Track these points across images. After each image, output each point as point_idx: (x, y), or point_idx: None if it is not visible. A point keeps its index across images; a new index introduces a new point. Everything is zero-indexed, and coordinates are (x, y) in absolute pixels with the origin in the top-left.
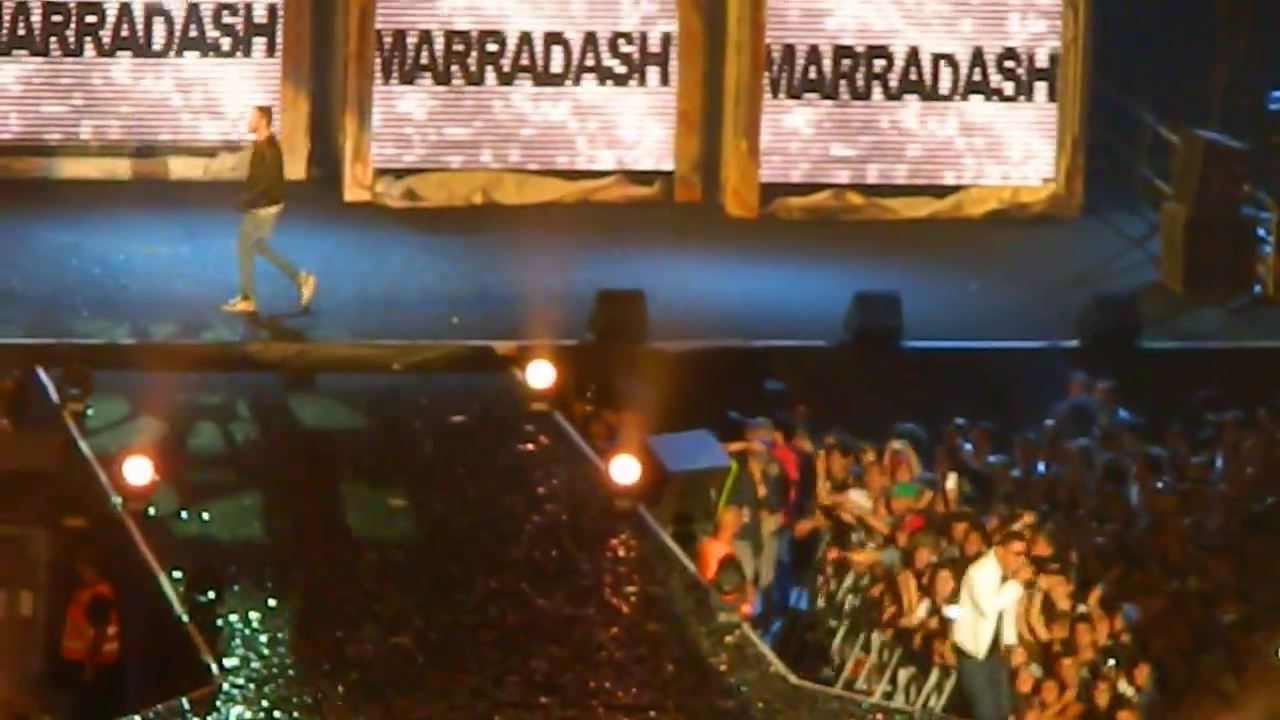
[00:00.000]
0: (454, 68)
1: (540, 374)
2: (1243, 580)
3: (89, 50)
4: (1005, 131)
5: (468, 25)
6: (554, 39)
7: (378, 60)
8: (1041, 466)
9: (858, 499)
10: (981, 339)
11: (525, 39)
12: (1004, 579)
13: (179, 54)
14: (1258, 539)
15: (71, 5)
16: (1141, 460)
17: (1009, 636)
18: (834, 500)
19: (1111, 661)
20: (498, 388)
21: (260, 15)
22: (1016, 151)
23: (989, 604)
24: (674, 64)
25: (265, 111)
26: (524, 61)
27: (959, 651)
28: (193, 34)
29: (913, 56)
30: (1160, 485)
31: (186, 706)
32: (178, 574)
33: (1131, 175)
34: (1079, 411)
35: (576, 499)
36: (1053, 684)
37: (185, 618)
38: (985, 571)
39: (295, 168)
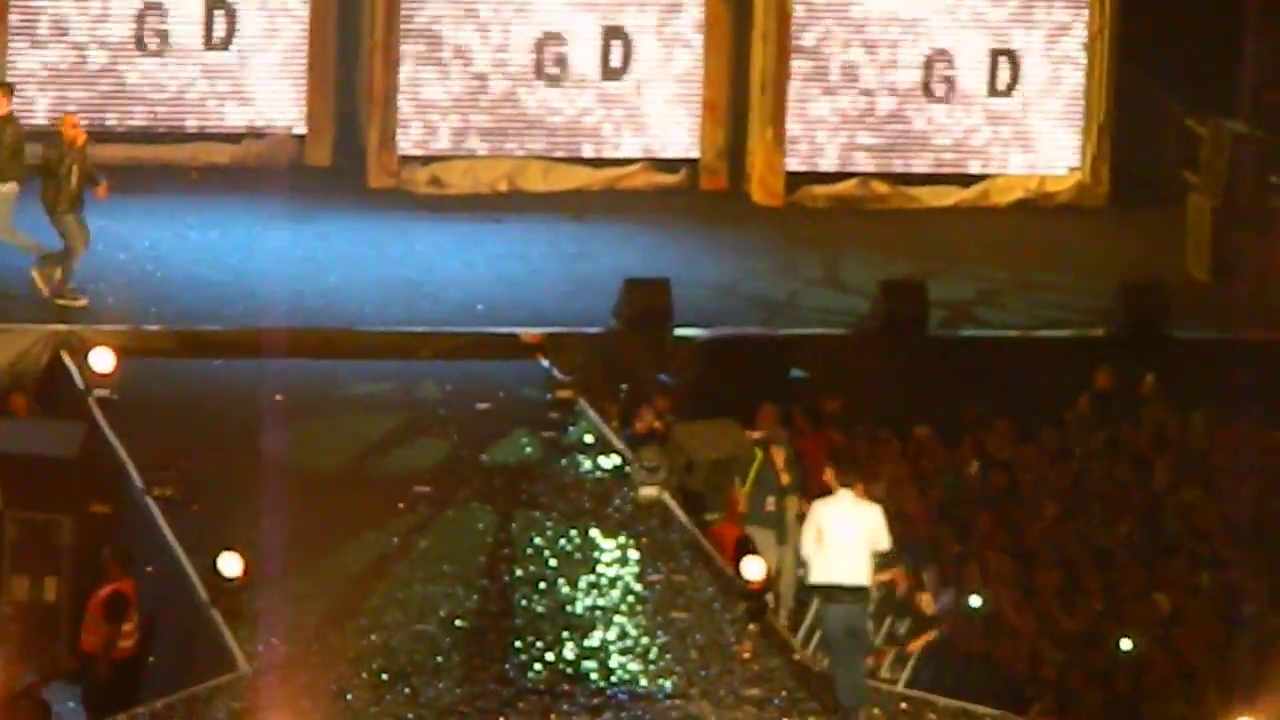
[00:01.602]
0: (479, 55)
1: (565, 361)
2: (1269, 572)
3: (117, 37)
4: (1032, 120)
5: (492, 14)
6: (581, 26)
7: (403, 47)
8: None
9: None
10: (1008, 328)
11: (551, 26)
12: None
13: (207, 42)
14: None
15: None
16: (1168, 450)
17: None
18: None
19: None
20: (522, 375)
21: (288, 2)
22: (1043, 140)
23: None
24: (700, 52)
25: (6, 88)
26: (550, 49)
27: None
28: (220, 22)
29: (939, 45)
30: (1186, 475)
31: (210, 693)
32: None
33: (1158, 165)
34: (1105, 401)
35: (601, 486)
36: None
37: (210, 604)
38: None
39: (321, 154)
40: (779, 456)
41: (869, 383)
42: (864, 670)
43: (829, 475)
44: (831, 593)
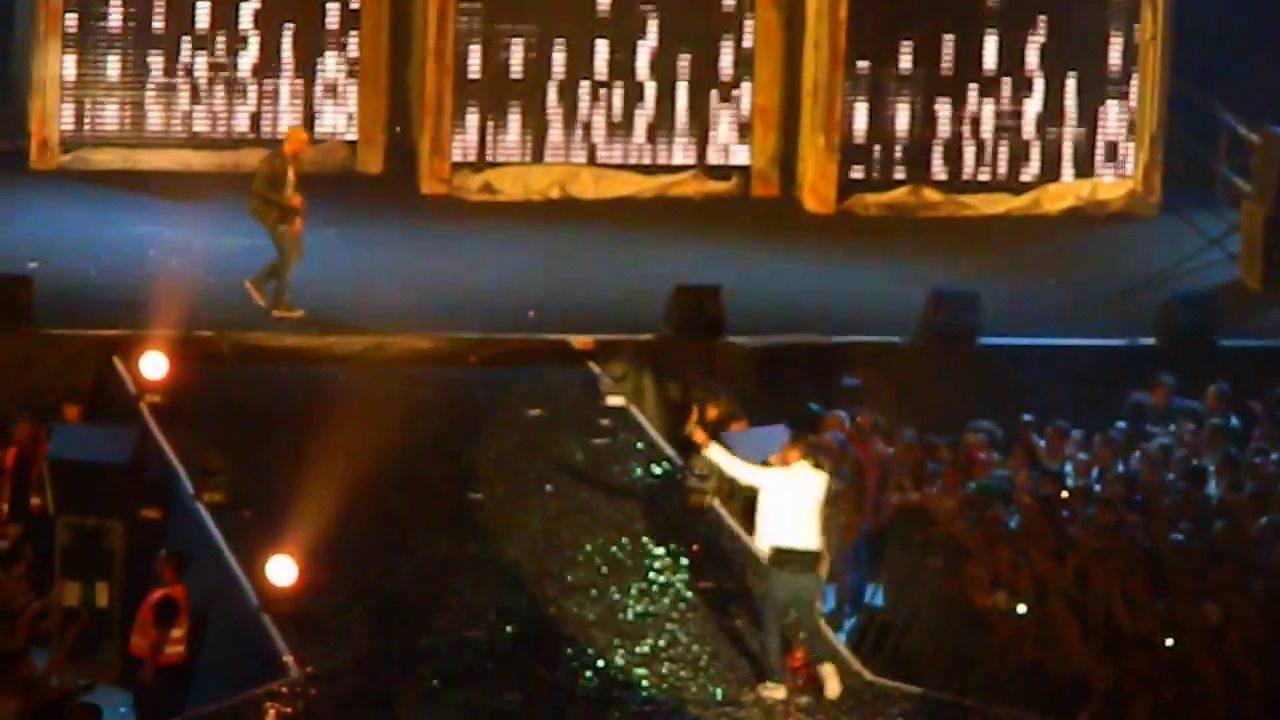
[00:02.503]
0: (530, 63)
1: (615, 368)
2: None
3: (170, 45)
4: (1084, 128)
5: (544, 22)
6: (633, 34)
7: (454, 55)
8: (1120, 465)
9: None
10: (1059, 336)
11: (602, 35)
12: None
13: (260, 50)
14: None
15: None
16: (1220, 458)
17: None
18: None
19: None
20: (573, 382)
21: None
22: (1095, 148)
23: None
24: (752, 59)
25: (303, 129)
26: (601, 56)
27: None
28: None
29: (991, 52)
30: (1237, 484)
31: (260, 699)
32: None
33: (1211, 173)
34: (1155, 412)
35: (652, 493)
36: None
37: (260, 609)
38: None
39: (373, 161)
40: (828, 465)
41: (919, 390)
42: (817, 639)
43: (788, 447)
44: (785, 557)
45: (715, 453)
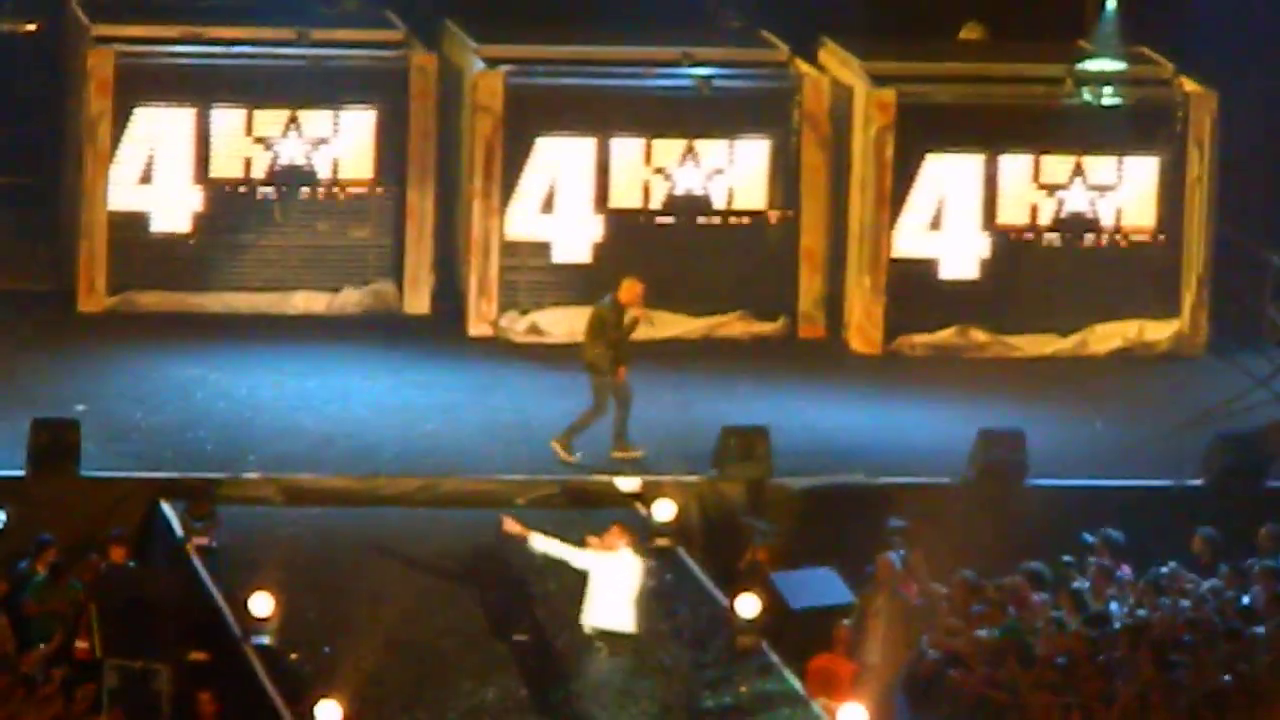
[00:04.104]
0: (577, 203)
1: (663, 510)
2: None
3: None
4: (1130, 269)
5: (589, 163)
6: (675, 173)
7: (499, 196)
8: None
9: None
10: (1106, 477)
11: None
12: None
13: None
14: None
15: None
16: (1269, 596)
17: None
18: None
19: None
20: (621, 524)
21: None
22: (1142, 290)
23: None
24: (798, 201)
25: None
26: (645, 197)
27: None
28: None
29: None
30: None
31: None
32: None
33: (1257, 313)
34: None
35: (700, 635)
36: None
37: None
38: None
39: (419, 302)
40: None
41: (967, 531)
42: None
43: (612, 532)
44: (601, 638)
45: (537, 540)
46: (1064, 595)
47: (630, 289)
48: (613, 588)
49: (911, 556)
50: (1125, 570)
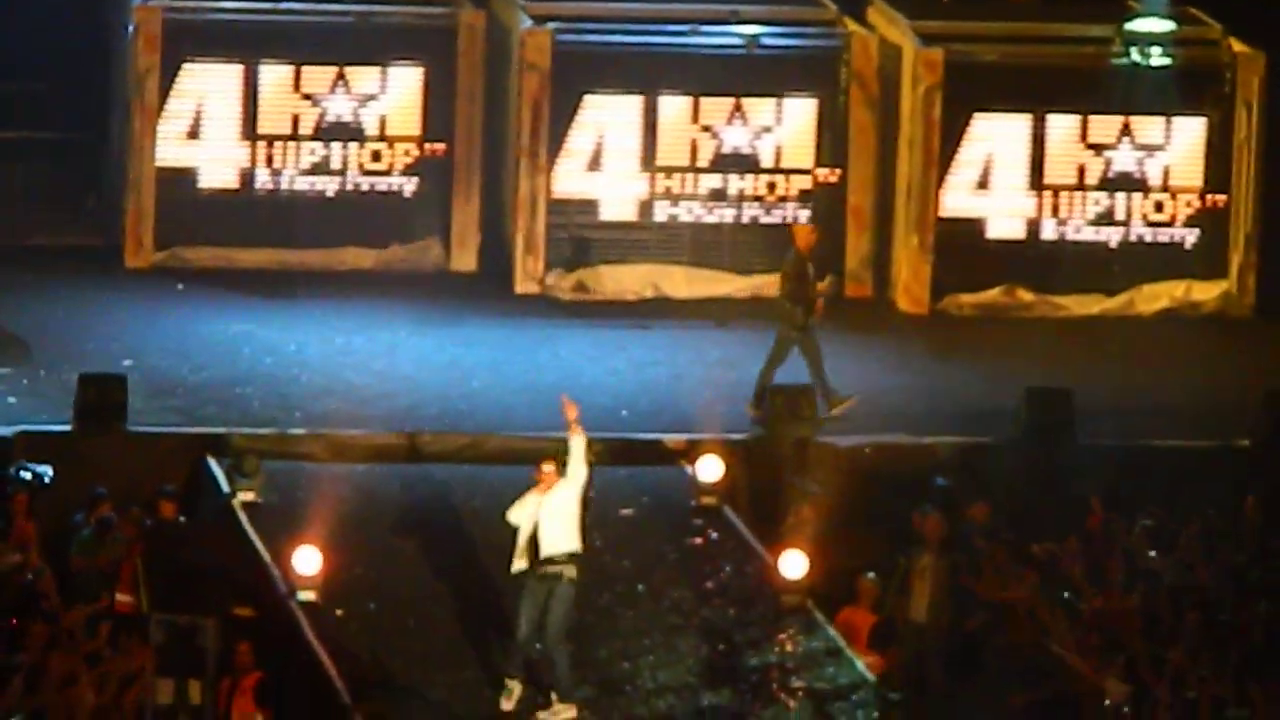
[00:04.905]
0: (624, 161)
1: (709, 468)
2: None
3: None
4: (1178, 229)
5: (636, 121)
6: (722, 131)
7: (546, 154)
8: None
9: None
10: (1153, 437)
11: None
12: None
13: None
14: None
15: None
16: None
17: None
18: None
19: None
20: (666, 481)
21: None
22: (1189, 249)
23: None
24: (846, 160)
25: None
26: (692, 155)
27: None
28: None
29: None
30: None
31: None
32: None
33: None
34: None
35: (745, 594)
36: None
37: (352, 708)
38: None
39: (466, 259)
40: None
41: (1013, 491)
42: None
43: (543, 473)
44: (548, 562)
45: (511, 515)
46: (1112, 556)
47: (802, 235)
48: (555, 518)
49: (976, 509)
50: (1170, 530)
